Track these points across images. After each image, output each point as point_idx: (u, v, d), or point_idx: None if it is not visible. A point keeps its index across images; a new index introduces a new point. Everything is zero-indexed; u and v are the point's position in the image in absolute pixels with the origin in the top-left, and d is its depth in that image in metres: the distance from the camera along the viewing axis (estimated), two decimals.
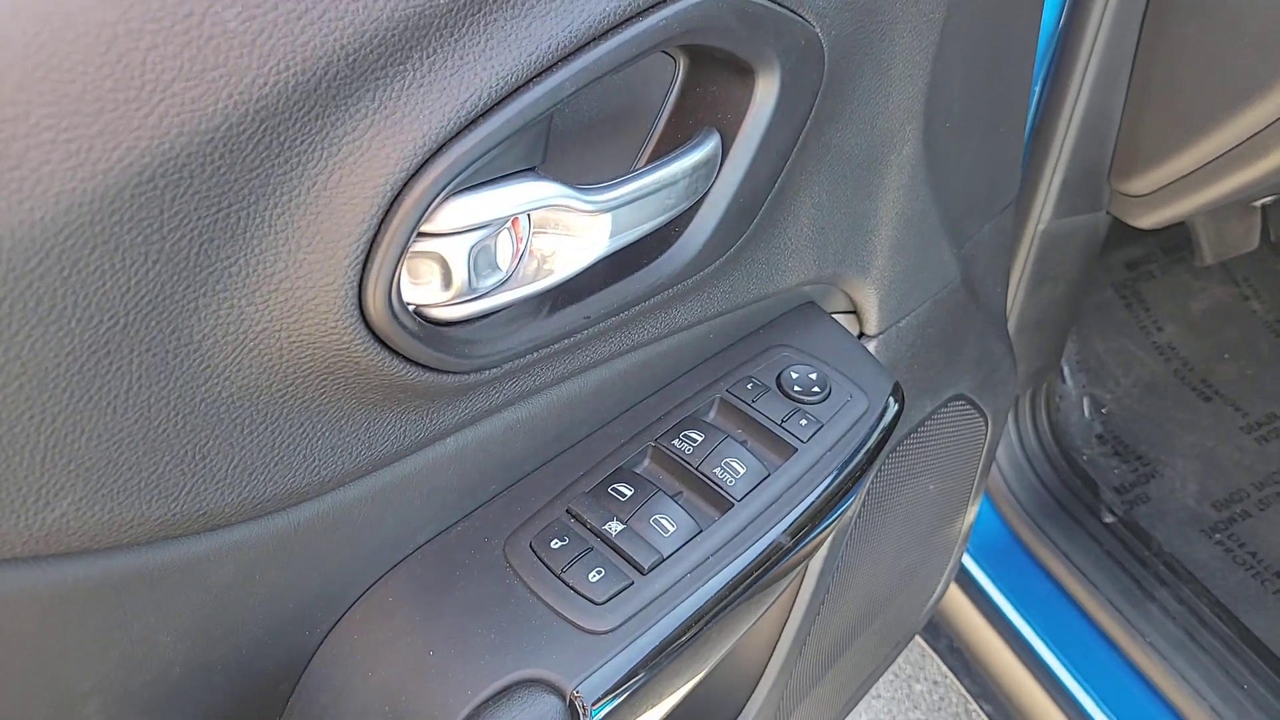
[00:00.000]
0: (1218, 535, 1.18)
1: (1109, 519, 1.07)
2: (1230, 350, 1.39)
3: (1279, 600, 1.10)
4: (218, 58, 0.27)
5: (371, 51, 0.29)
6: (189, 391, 0.31)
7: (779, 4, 0.40)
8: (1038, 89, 0.85)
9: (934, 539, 0.84)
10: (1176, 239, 1.42)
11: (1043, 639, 1.00)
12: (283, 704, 0.41)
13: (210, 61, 0.26)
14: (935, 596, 0.93)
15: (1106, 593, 1.00)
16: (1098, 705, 0.94)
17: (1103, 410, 1.31)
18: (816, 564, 0.67)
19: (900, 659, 1.34)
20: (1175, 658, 0.94)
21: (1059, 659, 0.98)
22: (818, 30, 0.42)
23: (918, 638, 1.16)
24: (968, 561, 1.07)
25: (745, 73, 0.41)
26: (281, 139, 0.28)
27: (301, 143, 0.29)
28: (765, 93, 0.41)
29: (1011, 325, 1.00)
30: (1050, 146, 0.87)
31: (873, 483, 0.68)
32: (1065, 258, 0.97)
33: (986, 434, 0.80)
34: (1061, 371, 1.31)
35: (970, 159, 0.62)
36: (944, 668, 1.17)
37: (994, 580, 1.05)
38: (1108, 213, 0.95)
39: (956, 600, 1.08)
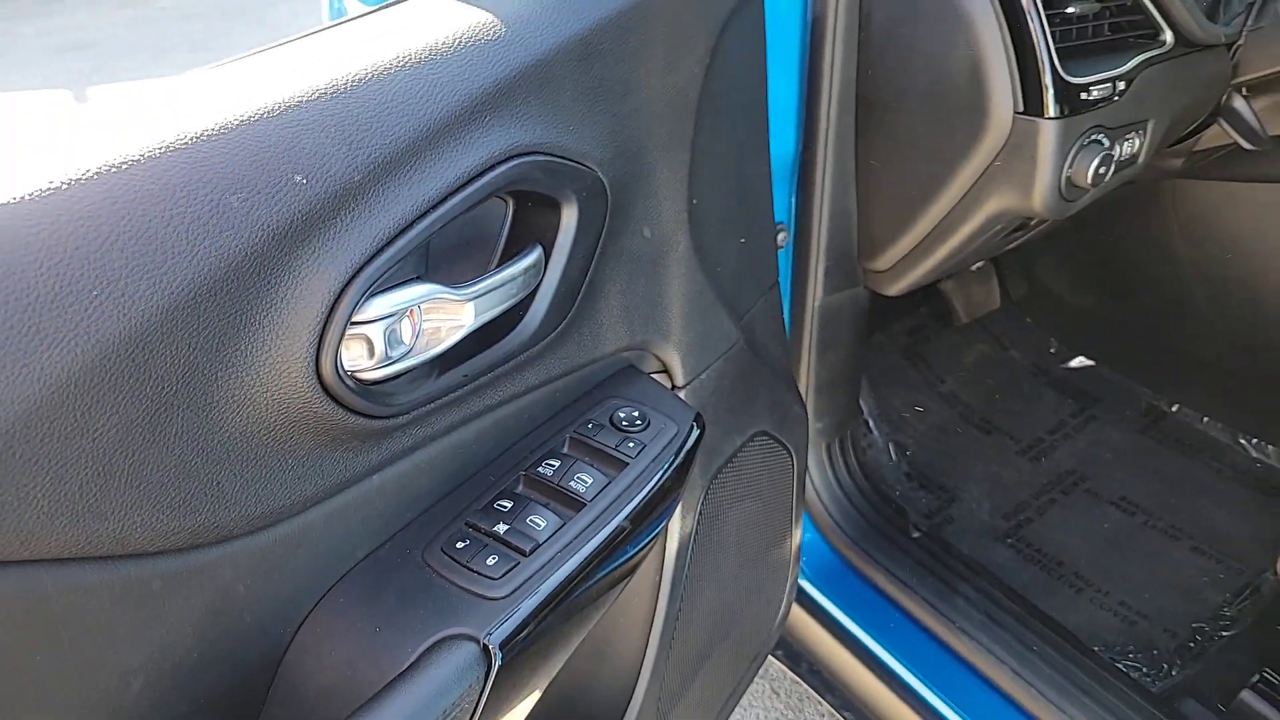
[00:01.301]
0: (1009, 540, 1.42)
1: (916, 534, 1.29)
2: (999, 391, 1.68)
3: (1061, 584, 1.35)
4: (207, 244, 0.45)
5: (313, 219, 0.48)
6: (211, 438, 0.47)
7: (571, 160, 0.61)
8: (792, 198, 1.10)
9: (768, 559, 1.03)
10: (942, 308, 1.72)
11: (876, 640, 1.19)
12: (266, 689, 0.55)
13: (194, 249, 0.44)
14: (781, 614, 1.12)
15: (922, 594, 1.21)
16: (921, 682, 1.13)
17: (906, 453, 1.56)
18: (668, 577, 0.85)
19: (783, 705, 1.50)
20: (979, 635, 1.15)
21: (890, 653, 1.17)
22: (600, 175, 0.64)
23: (786, 669, 1.33)
24: (810, 588, 1.26)
25: (554, 206, 0.62)
26: (261, 282, 0.46)
27: (273, 281, 0.47)
28: (569, 218, 0.62)
29: (810, 385, 1.23)
30: (810, 239, 1.12)
31: (704, 505, 0.87)
32: (840, 326, 1.21)
33: (793, 465, 1.01)
34: (868, 424, 1.55)
35: (734, 251, 0.84)
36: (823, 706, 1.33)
37: (832, 600, 1.25)
38: (865, 287, 1.20)
39: (806, 624, 1.27)
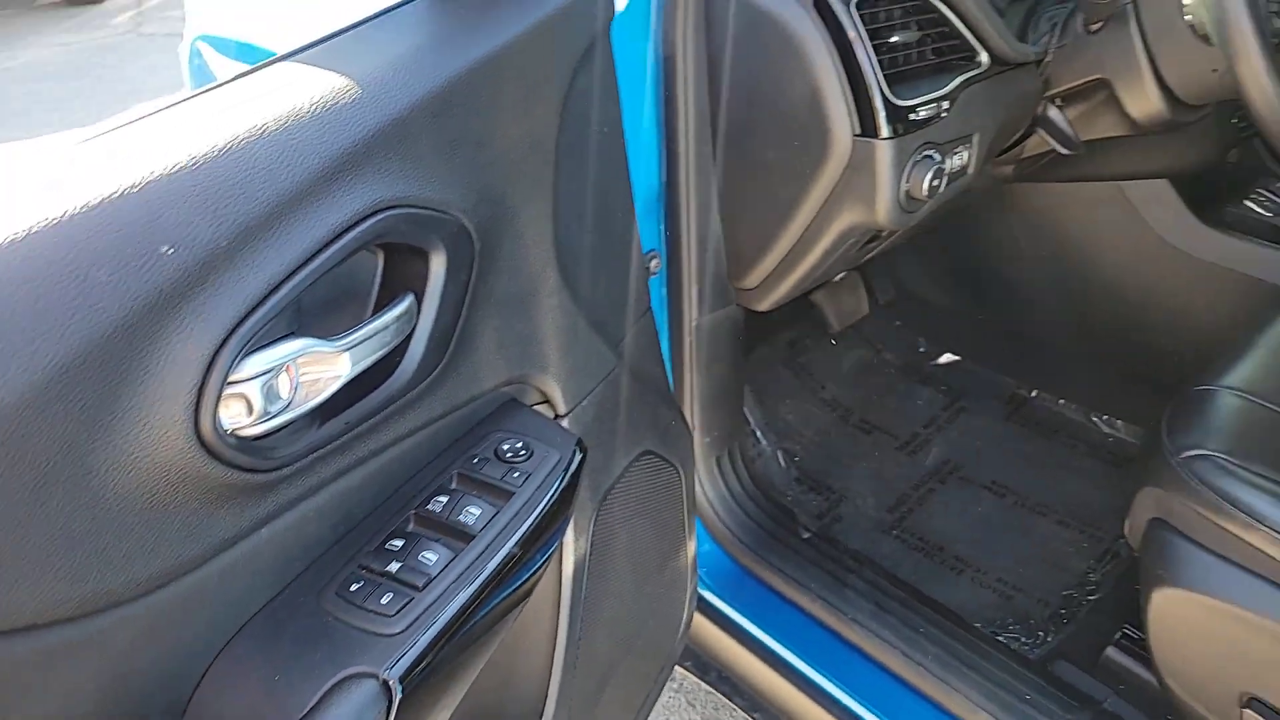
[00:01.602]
0: (894, 531, 1.50)
1: (806, 535, 1.36)
2: (876, 392, 1.77)
3: (943, 568, 1.43)
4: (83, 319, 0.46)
5: (182, 287, 0.50)
6: (96, 506, 0.48)
7: (435, 210, 0.64)
8: (661, 226, 1.16)
9: (665, 573, 1.08)
10: (818, 318, 1.81)
11: (777, 640, 1.25)
12: None
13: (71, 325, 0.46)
14: (683, 625, 1.16)
15: (816, 591, 1.27)
16: (821, 675, 1.19)
17: (795, 459, 1.63)
18: (567, 599, 0.88)
19: (699, 717, 1.54)
20: (870, 624, 1.22)
21: (790, 651, 1.23)
22: (465, 222, 0.67)
23: (698, 680, 1.38)
24: (711, 597, 1.31)
25: (422, 254, 0.65)
26: (134, 352, 0.48)
27: (146, 350, 0.49)
28: (438, 265, 0.65)
29: (695, 402, 1.28)
30: (682, 264, 1.18)
31: (595, 527, 0.90)
32: (719, 343, 1.27)
33: (681, 479, 1.06)
34: (756, 434, 1.62)
35: (604, 281, 0.89)
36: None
37: (733, 606, 1.30)
38: (738, 305, 1.27)
39: (710, 632, 1.31)
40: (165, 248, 0.49)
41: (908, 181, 1.02)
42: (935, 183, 1.03)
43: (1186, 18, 0.99)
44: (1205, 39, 0.99)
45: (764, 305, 1.25)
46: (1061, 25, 1.13)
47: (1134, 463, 1.59)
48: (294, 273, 0.54)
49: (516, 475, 0.71)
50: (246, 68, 0.64)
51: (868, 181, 1.01)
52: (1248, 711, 0.97)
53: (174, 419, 0.50)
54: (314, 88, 0.60)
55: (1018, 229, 1.62)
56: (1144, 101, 1.09)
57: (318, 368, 0.57)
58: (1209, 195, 1.48)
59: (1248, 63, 0.88)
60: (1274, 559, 0.93)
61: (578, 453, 0.76)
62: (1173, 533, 1.02)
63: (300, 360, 0.56)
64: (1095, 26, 1.07)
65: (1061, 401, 1.71)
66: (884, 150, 0.98)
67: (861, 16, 0.97)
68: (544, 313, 0.79)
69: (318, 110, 0.58)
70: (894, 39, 0.99)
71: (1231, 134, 1.41)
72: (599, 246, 0.87)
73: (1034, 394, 1.74)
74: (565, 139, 0.78)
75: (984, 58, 1.07)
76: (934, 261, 1.79)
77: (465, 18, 0.71)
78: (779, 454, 1.62)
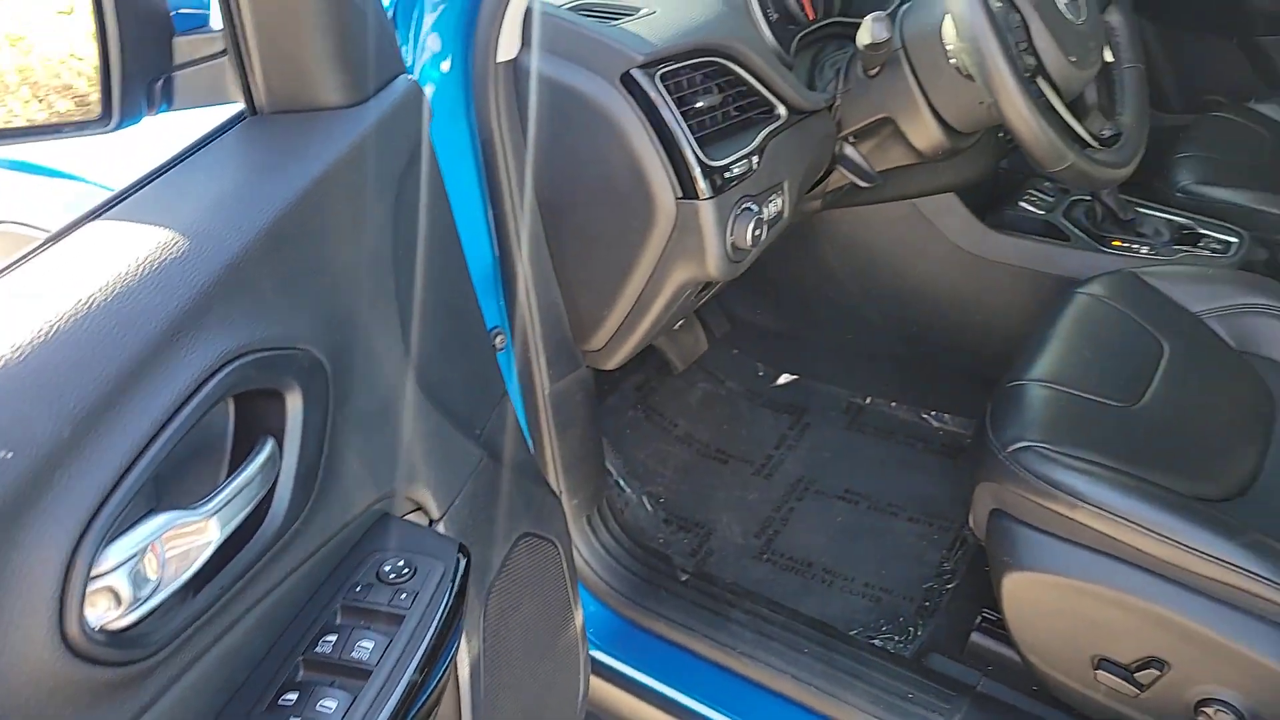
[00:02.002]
0: (764, 556, 1.56)
1: (684, 577, 1.39)
2: (726, 422, 1.84)
3: (815, 582, 1.50)
4: None
5: (27, 490, 0.46)
6: None
7: (283, 349, 0.63)
8: (501, 303, 1.16)
9: (556, 648, 1.08)
10: (661, 360, 1.86)
11: (671, 686, 1.27)
12: None
13: None
14: (581, 694, 1.16)
15: (700, 630, 1.30)
16: (719, 713, 1.22)
17: (661, 501, 1.67)
18: (466, 702, 0.87)
19: None
20: (756, 653, 1.26)
21: (686, 695, 1.26)
22: (315, 352, 0.66)
23: None
24: (603, 657, 1.32)
25: (278, 395, 0.63)
26: None
27: (3, 564, 0.45)
28: (294, 403, 0.63)
29: (559, 468, 1.29)
30: (527, 337, 1.19)
31: (485, 623, 0.90)
32: (573, 407, 1.29)
33: (559, 553, 1.06)
34: (619, 483, 1.65)
35: (460, 378, 0.89)
36: None
37: (625, 662, 1.31)
38: (587, 367, 1.29)
39: (608, 692, 1.32)
40: (3, 452, 0.46)
41: (732, 234, 1.07)
42: (757, 232, 1.09)
43: (951, 61, 1.10)
44: (970, 77, 1.10)
45: (611, 364, 1.27)
46: (845, 71, 1.22)
47: (965, 452, 1.72)
48: (145, 449, 0.51)
49: (404, 597, 0.70)
50: (48, 231, 0.60)
51: (695, 240, 1.06)
52: (1100, 672, 1.07)
53: (38, 631, 0.46)
54: (138, 246, 0.57)
55: (830, 252, 1.73)
56: (925, 134, 1.20)
57: (185, 539, 0.55)
58: (990, 201, 1.63)
59: (1008, 97, 0.99)
60: (1099, 531, 1.04)
61: (461, 559, 0.75)
62: (1011, 520, 1.11)
63: (165, 536, 0.53)
64: (873, 72, 1.17)
65: (894, 404, 1.83)
66: (707, 210, 1.03)
67: (666, 87, 1.02)
68: (404, 422, 0.78)
69: (147, 271, 0.56)
70: (699, 104, 1.05)
71: (1001, 146, 1.57)
72: (448, 343, 0.87)
73: (869, 400, 1.86)
74: (401, 246, 0.78)
75: (782, 110, 1.14)
76: (760, 291, 1.88)
77: (282, 145, 0.70)
78: (644, 499, 1.65)
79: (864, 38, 1.11)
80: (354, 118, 0.74)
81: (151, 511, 0.54)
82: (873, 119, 1.21)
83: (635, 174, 1.04)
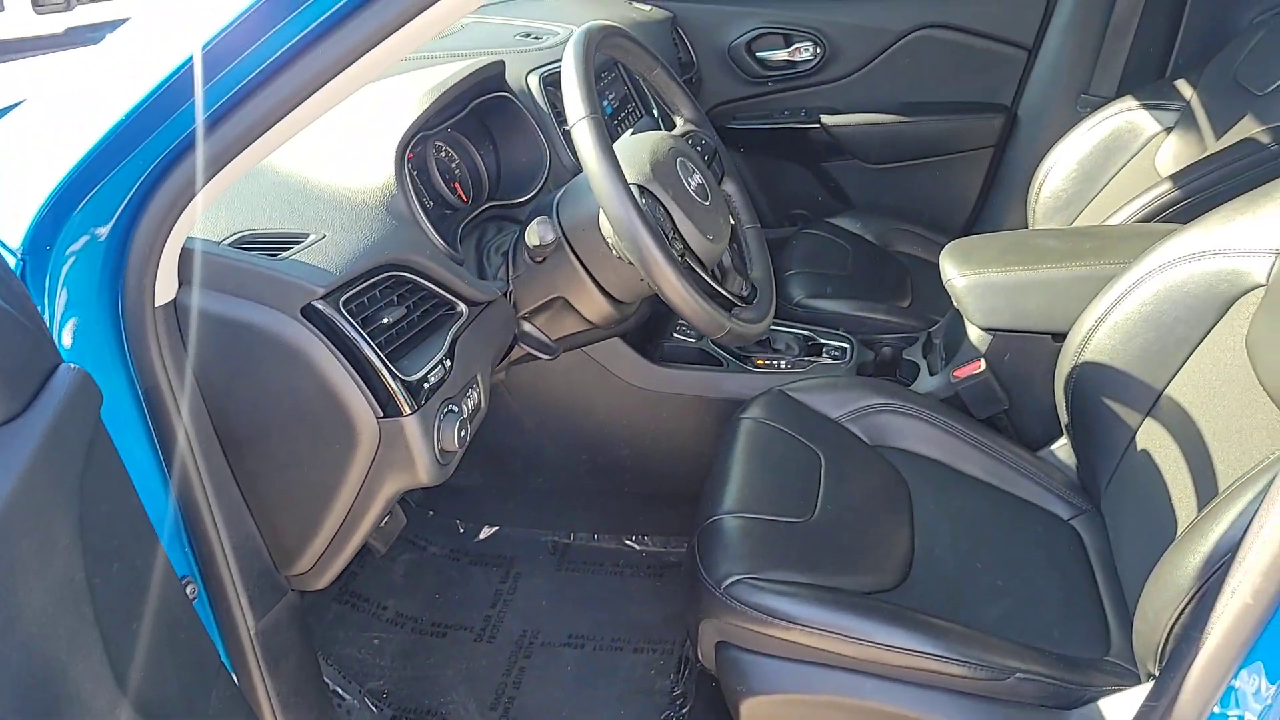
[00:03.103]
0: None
1: None
2: (437, 591, 1.79)
3: None
4: None
5: None
6: None
7: None
8: (188, 550, 1.05)
9: None
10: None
11: None
12: None
13: None
14: None
15: None
16: None
17: (384, 698, 1.58)
18: None
19: None
20: None
21: None
22: (22, 702, 0.56)
23: None
24: None
25: None
26: None
27: None
28: None
29: (277, 706, 1.18)
30: (222, 579, 1.08)
31: None
32: (285, 637, 1.18)
33: None
34: (338, 692, 1.53)
35: (169, 674, 0.79)
36: None
37: None
38: (295, 591, 1.20)
39: None
40: None
41: (439, 440, 1.07)
42: (462, 433, 1.10)
43: (614, 251, 1.21)
44: (630, 262, 1.21)
45: (321, 583, 1.20)
46: (513, 258, 1.29)
47: (670, 569, 1.83)
48: None
49: None
50: None
51: (403, 454, 1.04)
52: None
53: None
54: None
55: (515, 404, 1.78)
56: (595, 308, 1.29)
57: None
58: (648, 334, 1.78)
59: (670, 285, 1.11)
60: (811, 646, 1.16)
61: None
62: (737, 650, 1.21)
63: None
64: (540, 260, 1.24)
65: (597, 536, 1.91)
66: (412, 424, 1.03)
67: (350, 310, 1.01)
68: None
69: None
70: (385, 320, 1.04)
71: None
72: (155, 641, 0.78)
73: (572, 538, 1.91)
74: (93, 559, 0.69)
75: (463, 308, 1.17)
76: None
77: None
78: (368, 700, 1.55)
79: (531, 239, 1.18)
80: (14, 435, 0.65)
81: None
82: (546, 299, 1.29)
83: (331, 401, 1.00)
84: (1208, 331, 1.27)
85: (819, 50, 2.38)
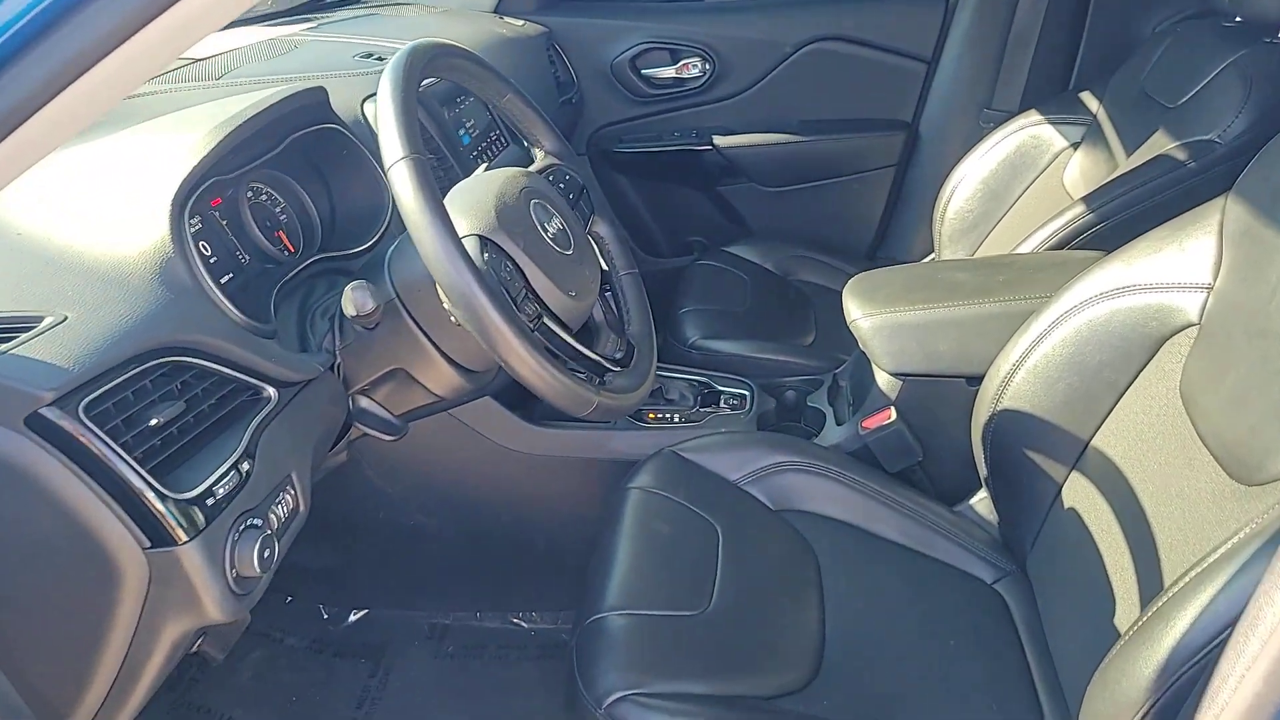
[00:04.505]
0: None
1: None
2: (294, 693, 1.56)
3: None
4: None
5: None
6: None
7: None
8: None
9: None
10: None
11: None
12: None
13: None
14: None
15: None
16: None
17: None
18: None
19: None
20: None
21: None
22: None
23: None
24: None
25: None
26: None
27: None
28: None
29: None
30: None
31: None
32: None
33: None
34: None
35: None
36: None
37: None
38: None
39: None
40: None
41: (234, 566, 0.86)
42: (266, 552, 0.88)
43: (452, 317, 1.01)
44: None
45: None
46: (339, 324, 1.07)
47: (563, 649, 1.63)
48: None
49: None
50: None
51: (183, 590, 0.83)
52: None
53: None
54: None
55: (374, 475, 1.55)
56: (442, 380, 1.09)
57: None
58: (525, 397, 1.58)
59: (518, 359, 0.92)
60: None
61: None
62: None
63: None
64: (371, 326, 1.04)
65: (479, 615, 1.70)
66: (189, 555, 0.81)
67: (103, 413, 0.79)
68: None
69: None
70: (154, 421, 0.82)
71: None
72: None
73: (451, 619, 1.70)
74: None
75: (270, 392, 0.96)
76: (305, 529, 1.64)
77: None
78: None
79: (348, 308, 0.98)
80: None
81: None
82: (382, 372, 1.08)
83: (78, 533, 0.78)
84: (1135, 375, 1.14)
85: (708, 66, 2.22)
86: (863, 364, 1.51)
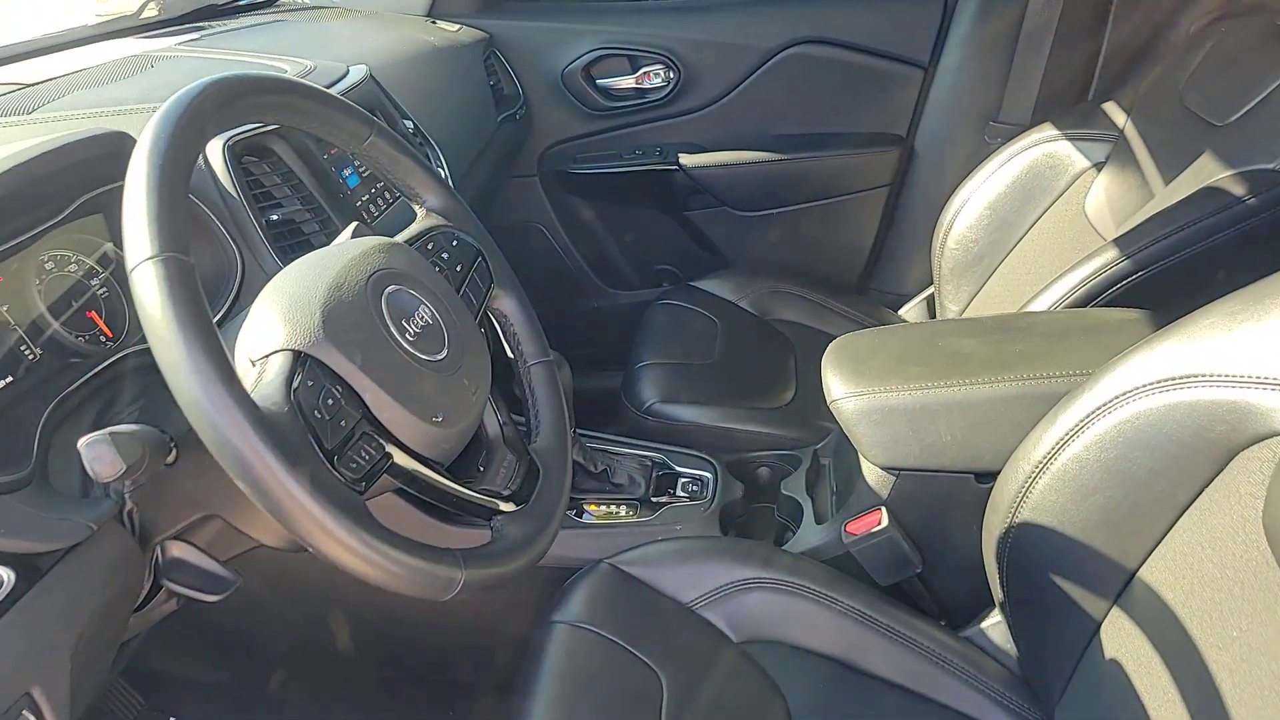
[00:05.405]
0: None
1: None
2: None
3: None
4: None
5: None
6: None
7: None
8: None
9: None
10: None
11: None
12: None
13: None
14: None
15: None
16: None
17: None
18: None
19: None
20: None
21: None
22: None
23: None
24: None
25: None
26: None
27: None
28: None
29: None
30: None
31: None
32: None
33: None
34: None
35: None
36: None
37: None
38: None
39: None
40: None
41: None
42: None
43: None
44: None
45: None
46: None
47: None
48: None
49: None
50: None
51: None
52: None
53: None
54: None
55: (266, 593, 1.28)
56: (271, 526, 0.82)
57: None
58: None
59: (334, 542, 0.64)
60: None
61: None
62: None
63: None
64: (170, 460, 0.76)
65: None
66: None
67: None
68: None
69: None
70: None
71: None
72: None
73: None
74: None
75: (4, 575, 0.68)
76: (198, 646, 1.38)
77: None
78: None
79: (91, 473, 0.69)
80: None
81: None
82: (191, 520, 0.81)
83: None
84: (1198, 492, 0.86)
85: (672, 75, 1.94)
86: (849, 442, 1.24)
